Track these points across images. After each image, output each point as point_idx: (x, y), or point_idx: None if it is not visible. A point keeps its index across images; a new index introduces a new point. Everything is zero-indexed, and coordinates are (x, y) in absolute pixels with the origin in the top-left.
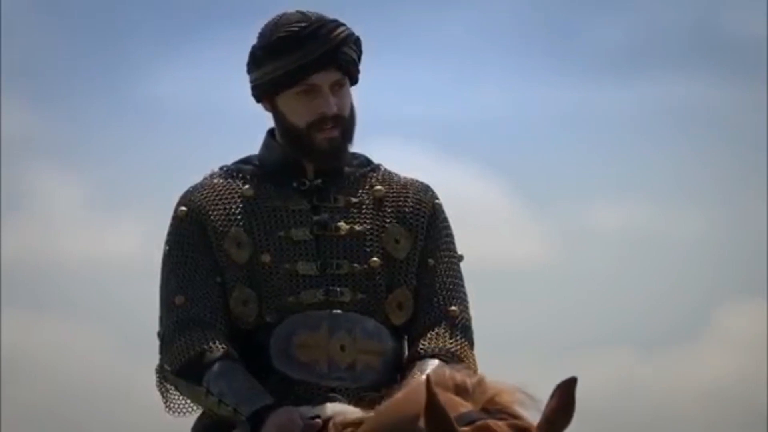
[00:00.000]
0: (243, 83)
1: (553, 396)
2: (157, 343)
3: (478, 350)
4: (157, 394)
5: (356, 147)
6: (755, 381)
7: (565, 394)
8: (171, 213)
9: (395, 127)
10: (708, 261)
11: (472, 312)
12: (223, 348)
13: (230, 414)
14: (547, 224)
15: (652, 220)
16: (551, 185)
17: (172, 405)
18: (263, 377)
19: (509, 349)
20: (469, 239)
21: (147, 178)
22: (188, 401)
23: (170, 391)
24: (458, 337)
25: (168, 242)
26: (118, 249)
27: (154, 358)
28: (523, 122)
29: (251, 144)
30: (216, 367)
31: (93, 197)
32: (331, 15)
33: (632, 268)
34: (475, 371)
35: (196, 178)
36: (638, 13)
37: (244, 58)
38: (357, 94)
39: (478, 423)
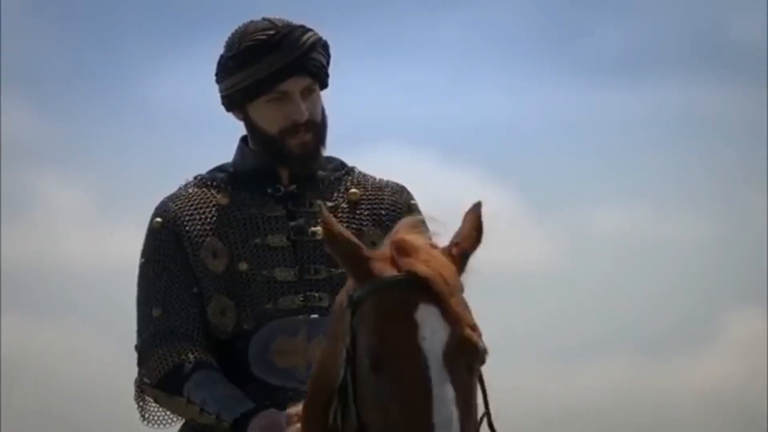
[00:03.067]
0: None
1: (464, 220)
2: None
3: None
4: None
5: (360, 152)
6: (758, 386)
7: (472, 218)
8: None
9: (399, 131)
10: (712, 266)
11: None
12: (201, 358)
13: (213, 422)
14: (550, 228)
15: (656, 224)
16: (555, 189)
17: (150, 417)
18: (242, 385)
19: (512, 353)
20: None
21: (149, 181)
22: (167, 413)
23: (148, 404)
24: None
25: (144, 254)
26: (120, 252)
27: None
28: (526, 126)
29: None
30: (195, 376)
31: (95, 201)
32: (332, 19)
33: (636, 272)
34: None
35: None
36: (642, 17)
37: None
38: (360, 98)
39: (395, 238)
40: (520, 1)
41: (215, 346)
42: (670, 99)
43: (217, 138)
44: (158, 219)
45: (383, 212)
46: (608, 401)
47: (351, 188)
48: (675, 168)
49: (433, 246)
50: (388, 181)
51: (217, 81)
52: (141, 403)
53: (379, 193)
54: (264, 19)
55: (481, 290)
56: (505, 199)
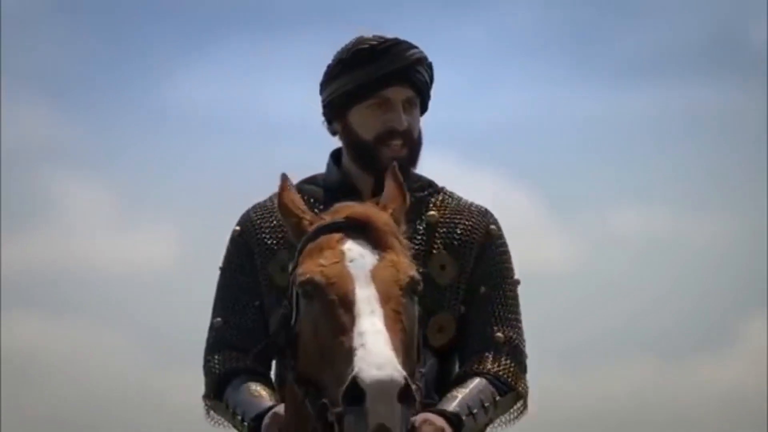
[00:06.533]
0: (266, 89)
1: (387, 185)
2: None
3: None
4: (170, 397)
5: None
6: None
7: (392, 180)
8: (201, 218)
9: None
10: (734, 270)
11: None
12: (244, 365)
13: (239, 424)
14: (570, 230)
15: (675, 225)
16: (575, 190)
17: (220, 422)
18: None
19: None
20: None
21: (169, 182)
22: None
23: (212, 415)
24: (503, 360)
25: (223, 261)
26: (140, 253)
27: (172, 365)
28: (546, 127)
29: (274, 146)
30: (234, 382)
31: (116, 202)
32: (352, 21)
33: (656, 274)
34: (523, 395)
35: (219, 182)
36: (660, 19)
37: (266, 65)
38: None
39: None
40: (540, 4)
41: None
42: (689, 100)
43: (236, 139)
44: (237, 227)
45: (456, 237)
46: (628, 403)
47: (431, 210)
48: (694, 169)
49: (369, 205)
50: (471, 204)
51: (321, 91)
52: (207, 412)
53: (457, 217)
54: (374, 35)
55: None
56: (525, 200)
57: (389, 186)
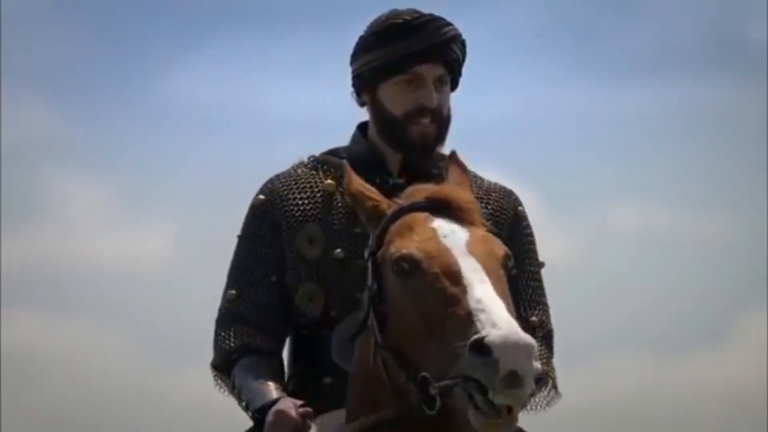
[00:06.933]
0: (266, 88)
1: (450, 173)
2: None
3: None
4: (170, 396)
5: None
6: None
7: (455, 166)
8: (200, 214)
9: None
10: (730, 264)
11: None
12: (255, 344)
13: (244, 408)
14: (567, 226)
15: (673, 221)
16: (572, 187)
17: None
18: (324, 371)
19: None
20: None
21: (169, 179)
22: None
23: (220, 383)
24: (539, 344)
25: (242, 229)
26: (140, 251)
27: (172, 362)
28: (543, 124)
29: (273, 143)
30: (243, 361)
31: (115, 199)
32: (346, 19)
33: (654, 269)
34: (552, 381)
35: (220, 180)
36: (657, 17)
37: (265, 60)
38: None
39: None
40: (538, 2)
41: (297, 330)
42: (687, 98)
43: (236, 137)
44: (261, 196)
45: (486, 216)
46: (627, 399)
47: None
48: (692, 166)
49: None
50: (496, 185)
51: (352, 61)
52: (215, 379)
53: (485, 196)
54: (408, 8)
55: None
56: (522, 197)
57: (454, 172)
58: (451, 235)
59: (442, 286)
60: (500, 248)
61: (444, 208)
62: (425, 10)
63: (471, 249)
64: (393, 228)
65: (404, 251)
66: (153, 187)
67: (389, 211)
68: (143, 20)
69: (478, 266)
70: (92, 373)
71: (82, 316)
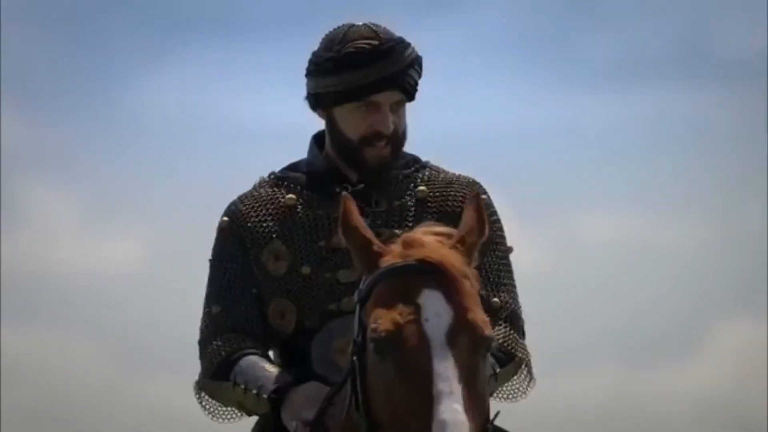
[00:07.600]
0: (236, 95)
1: (465, 213)
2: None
3: None
4: (148, 405)
5: None
6: (750, 393)
7: (473, 210)
8: (168, 223)
9: None
10: (703, 274)
11: None
12: (252, 347)
13: (254, 399)
14: (540, 235)
15: (646, 232)
16: (544, 195)
17: (213, 411)
18: (305, 382)
19: None
20: None
21: (139, 188)
22: (227, 408)
23: (205, 399)
24: (502, 326)
25: (212, 252)
26: (110, 259)
27: (149, 370)
28: (517, 134)
29: (241, 151)
30: (242, 362)
31: (84, 208)
32: (320, 23)
33: (625, 279)
34: (525, 364)
35: (188, 188)
36: (633, 25)
37: (230, 66)
38: None
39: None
40: (511, 7)
41: (277, 343)
42: (661, 106)
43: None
44: (225, 218)
45: (449, 209)
46: (598, 410)
47: (420, 186)
48: (664, 175)
49: (441, 242)
50: (459, 176)
51: (308, 76)
52: (199, 400)
53: (448, 189)
54: (365, 25)
55: None
56: (495, 205)
57: (469, 216)
58: (435, 319)
59: (412, 385)
60: (482, 337)
61: (436, 273)
62: (386, 21)
63: (451, 341)
64: (381, 287)
65: (382, 332)
66: (121, 196)
67: (381, 264)
68: (111, 28)
69: (450, 372)
70: (60, 381)
71: (50, 324)
